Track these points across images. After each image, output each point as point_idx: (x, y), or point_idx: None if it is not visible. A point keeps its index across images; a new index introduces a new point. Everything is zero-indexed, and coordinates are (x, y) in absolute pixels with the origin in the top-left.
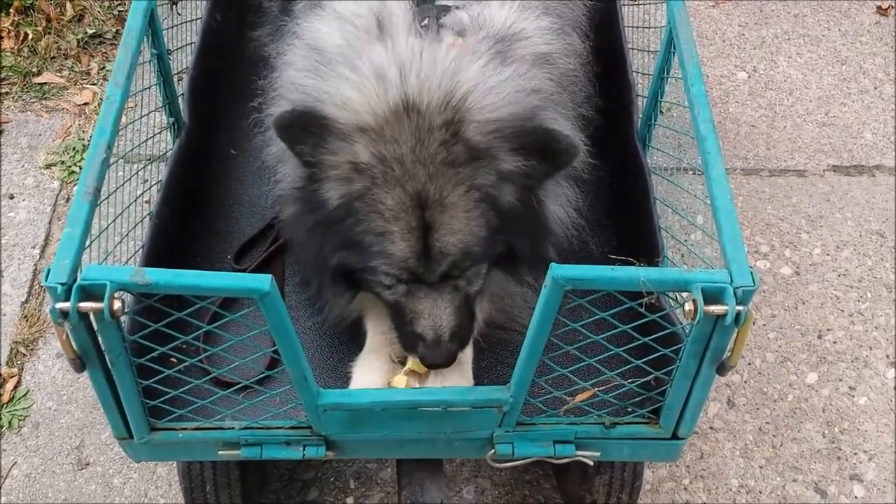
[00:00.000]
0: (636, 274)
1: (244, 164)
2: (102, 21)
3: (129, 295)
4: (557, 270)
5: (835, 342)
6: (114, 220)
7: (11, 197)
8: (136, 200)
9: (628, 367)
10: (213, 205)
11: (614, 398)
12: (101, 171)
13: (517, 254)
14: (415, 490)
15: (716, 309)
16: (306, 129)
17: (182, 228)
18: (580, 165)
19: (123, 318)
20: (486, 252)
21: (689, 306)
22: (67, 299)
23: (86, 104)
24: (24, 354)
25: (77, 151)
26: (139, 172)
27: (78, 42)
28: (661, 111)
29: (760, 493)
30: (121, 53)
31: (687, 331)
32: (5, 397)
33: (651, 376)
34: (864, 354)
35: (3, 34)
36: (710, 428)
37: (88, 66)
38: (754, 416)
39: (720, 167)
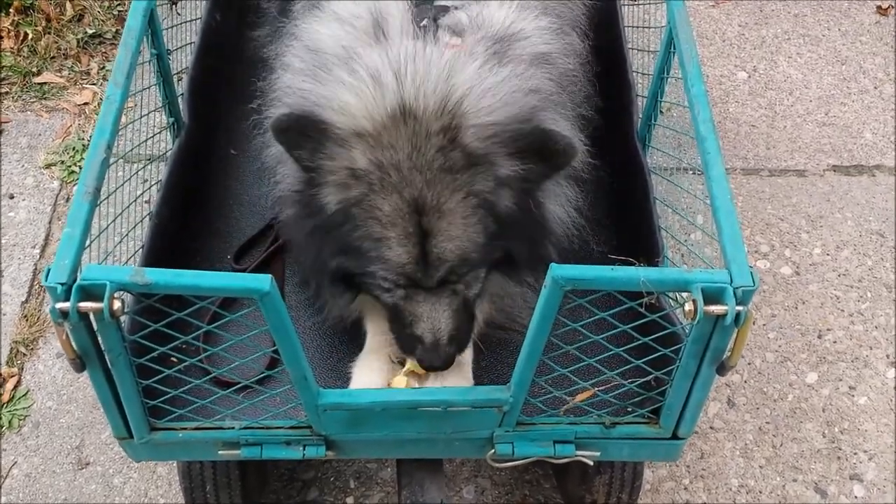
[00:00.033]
0: (636, 274)
1: (244, 165)
2: (102, 21)
3: (128, 295)
4: (557, 270)
5: (835, 342)
6: (114, 220)
7: (11, 197)
8: (135, 200)
9: (628, 367)
10: (213, 205)
11: (614, 398)
12: (100, 171)
13: (515, 257)
14: (415, 490)
15: (716, 309)
16: (304, 133)
17: (182, 228)
18: (580, 165)
19: (123, 318)
20: (484, 257)
21: (689, 306)
22: (67, 299)
23: (86, 104)
24: (25, 354)
25: (77, 151)
26: (139, 172)
27: (78, 42)
28: (660, 111)
29: (760, 492)
30: (120, 53)
31: (687, 331)
32: (5, 397)
33: (651, 376)
34: (864, 354)
35: (3, 34)
36: (711, 428)
37: (88, 65)
38: (754, 415)
39: (720, 167)
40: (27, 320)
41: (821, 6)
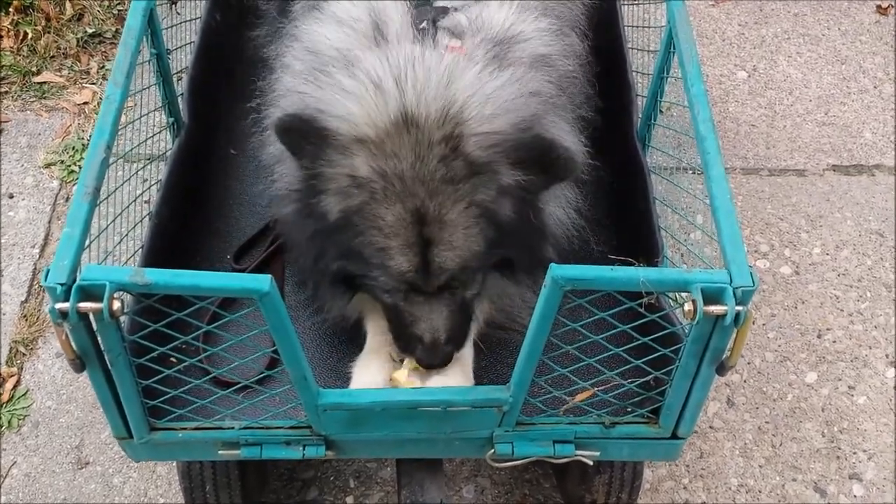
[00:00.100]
0: (636, 274)
1: (244, 164)
2: (102, 20)
3: (128, 295)
4: (557, 270)
5: (834, 342)
6: (113, 220)
7: (11, 196)
8: (135, 200)
9: (628, 366)
10: (213, 204)
11: (614, 398)
12: (100, 171)
13: (514, 262)
14: (415, 489)
15: (715, 309)
16: (305, 134)
17: (182, 228)
18: (580, 166)
19: (123, 319)
20: (483, 264)
21: (688, 306)
22: (67, 299)
23: (85, 103)
24: (24, 354)
25: (76, 151)
26: (139, 172)
27: (77, 41)
28: (660, 111)
29: (760, 492)
30: (120, 53)
31: (686, 331)
32: (5, 396)
33: (651, 376)
34: (864, 354)
35: (3, 33)
36: (710, 427)
37: (88, 65)
38: (754, 415)
39: (720, 167)
40: (27, 320)
41: (820, 6)
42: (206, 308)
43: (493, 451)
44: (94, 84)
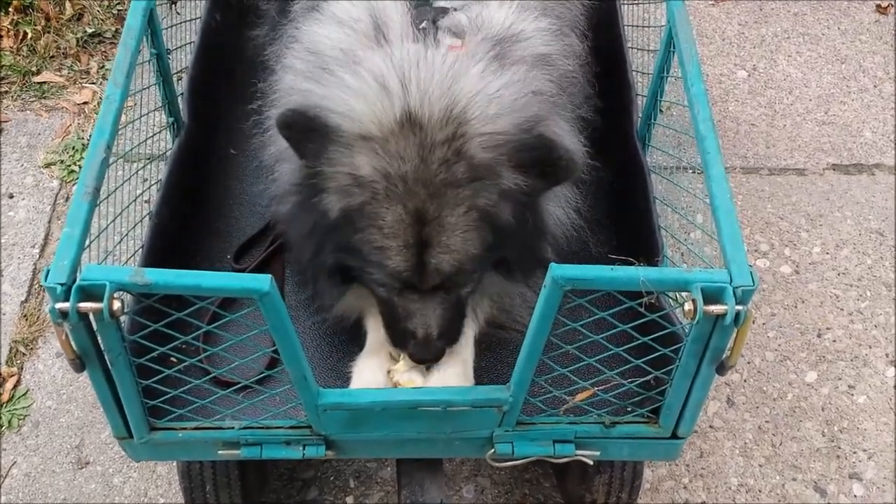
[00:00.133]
0: (636, 274)
1: (244, 164)
2: (102, 20)
3: (128, 295)
4: (557, 270)
5: (834, 341)
6: (113, 220)
7: (11, 196)
8: (135, 200)
9: (628, 366)
10: (213, 204)
11: (614, 397)
12: (100, 171)
13: (511, 263)
14: (415, 489)
15: (715, 309)
16: (308, 131)
17: (182, 228)
18: (582, 163)
19: (123, 318)
20: (479, 266)
21: (688, 306)
22: (67, 299)
23: (85, 103)
24: (24, 354)
25: (76, 150)
26: (139, 172)
27: (77, 41)
28: (660, 110)
29: (760, 491)
30: (120, 53)
31: (686, 330)
32: (5, 396)
33: (651, 376)
34: (864, 353)
35: (3, 33)
36: (710, 427)
37: (88, 65)
38: (754, 414)
39: (720, 166)
40: (27, 320)
41: (820, 5)
42: (207, 308)
43: (493, 450)
44: (93, 84)
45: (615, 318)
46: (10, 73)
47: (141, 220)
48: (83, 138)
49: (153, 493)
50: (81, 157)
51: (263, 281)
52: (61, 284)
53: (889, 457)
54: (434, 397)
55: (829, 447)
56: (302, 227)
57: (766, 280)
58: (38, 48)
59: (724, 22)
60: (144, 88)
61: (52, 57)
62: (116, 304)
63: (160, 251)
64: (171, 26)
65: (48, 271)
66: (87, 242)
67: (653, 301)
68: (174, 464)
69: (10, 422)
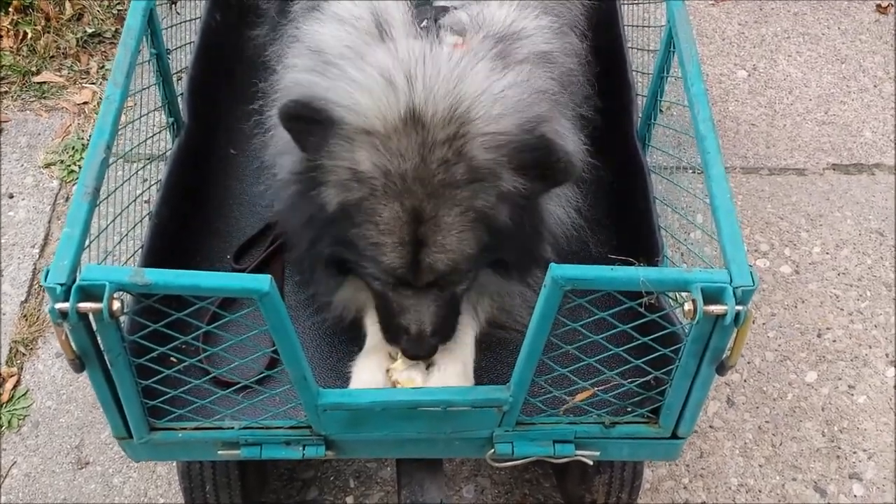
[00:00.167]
0: (636, 274)
1: (244, 164)
2: (102, 20)
3: (128, 295)
4: (557, 270)
5: (834, 341)
6: (113, 220)
7: (11, 196)
8: (135, 200)
9: (628, 366)
10: (213, 204)
11: (614, 398)
12: (100, 171)
13: (508, 263)
14: (415, 489)
15: (715, 309)
16: (311, 122)
17: (182, 228)
18: (581, 165)
19: (123, 319)
20: (474, 265)
21: (688, 306)
22: (66, 299)
23: (85, 103)
24: (24, 354)
25: (76, 151)
26: (139, 172)
27: (77, 41)
28: (660, 110)
29: (760, 491)
30: (120, 53)
31: (686, 330)
32: (5, 397)
33: (651, 376)
34: (864, 353)
35: (3, 33)
36: (710, 427)
37: (88, 65)
38: (754, 414)
39: (720, 166)
40: (26, 320)
41: (820, 5)
42: (206, 308)
43: (493, 450)
44: (93, 84)
45: (615, 319)
46: (10, 73)
47: (141, 221)
48: (83, 138)
49: (153, 493)
50: (81, 158)
51: (263, 281)
52: (61, 284)
53: (889, 457)
54: (434, 397)
55: (829, 447)
56: (300, 217)
57: (766, 280)
58: (38, 48)
59: (724, 22)
60: (144, 88)
61: (52, 57)
62: (116, 305)
63: (160, 251)
64: (171, 26)
65: (48, 271)
66: (86, 242)
67: (653, 301)
68: (174, 464)
69: (9, 422)
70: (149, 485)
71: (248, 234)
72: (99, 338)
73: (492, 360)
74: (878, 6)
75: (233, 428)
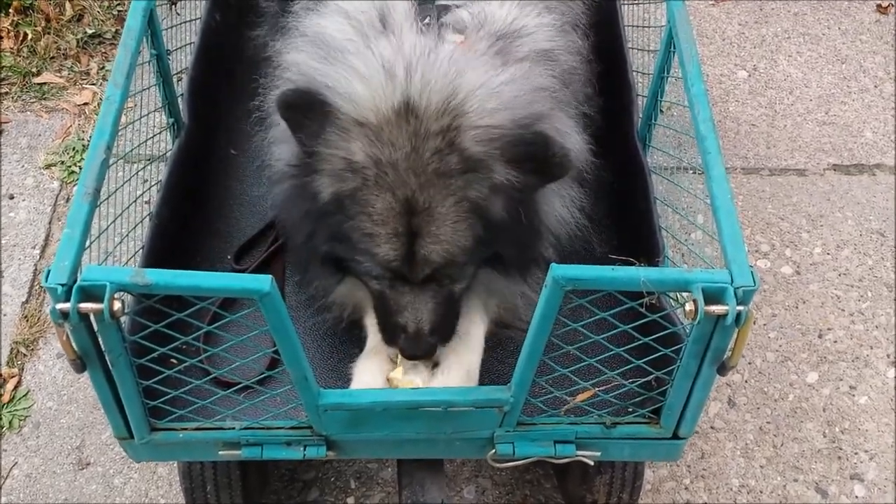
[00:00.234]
0: (637, 274)
1: (244, 164)
2: (102, 21)
3: (129, 295)
4: (558, 270)
5: (835, 341)
6: (114, 221)
7: (11, 197)
8: (135, 201)
9: (629, 367)
10: (213, 205)
11: (615, 398)
12: (100, 172)
13: (505, 259)
14: (415, 490)
15: (716, 309)
16: (308, 111)
17: (182, 229)
18: (583, 165)
19: (123, 319)
20: (471, 259)
21: (689, 306)
22: (67, 300)
23: (85, 104)
24: (25, 354)
25: (77, 151)
26: (139, 173)
27: (77, 42)
28: (661, 110)
29: (761, 492)
30: (120, 54)
31: (687, 331)
32: (6, 397)
33: (652, 376)
34: (865, 354)
35: (3, 34)
36: (711, 427)
37: (88, 66)
38: (755, 415)
39: (720, 166)
40: (27, 321)
41: (821, 5)
42: (207, 308)
43: (494, 451)
44: (94, 85)
45: (616, 319)
46: (10, 74)
47: (141, 221)
48: (83, 139)
49: (154, 493)
50: (82, 158)
51: (264, 281)
52: (62, 285)
53: (890, 458)
54: (435, 398)
55: (830, 448)
56: (296, 210)
57: (767, 280)
58: (39, 49)
59: (725, 22)
60: (144, 89)
61: (53, 58)
62: (117, 305)
63: (160, 252)
64: (171, 27)
65: (49, 272)
66: (87, 243)
67: (654, 301)
68: (175, 464)
69: (10, 423)
70: (150, 485)
71: (248, 234)
72: (100, 338)
73: (492, 360)
74: (879, 6)
75: (234, 428)
